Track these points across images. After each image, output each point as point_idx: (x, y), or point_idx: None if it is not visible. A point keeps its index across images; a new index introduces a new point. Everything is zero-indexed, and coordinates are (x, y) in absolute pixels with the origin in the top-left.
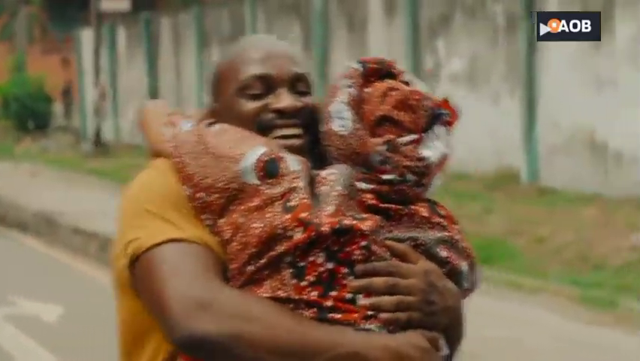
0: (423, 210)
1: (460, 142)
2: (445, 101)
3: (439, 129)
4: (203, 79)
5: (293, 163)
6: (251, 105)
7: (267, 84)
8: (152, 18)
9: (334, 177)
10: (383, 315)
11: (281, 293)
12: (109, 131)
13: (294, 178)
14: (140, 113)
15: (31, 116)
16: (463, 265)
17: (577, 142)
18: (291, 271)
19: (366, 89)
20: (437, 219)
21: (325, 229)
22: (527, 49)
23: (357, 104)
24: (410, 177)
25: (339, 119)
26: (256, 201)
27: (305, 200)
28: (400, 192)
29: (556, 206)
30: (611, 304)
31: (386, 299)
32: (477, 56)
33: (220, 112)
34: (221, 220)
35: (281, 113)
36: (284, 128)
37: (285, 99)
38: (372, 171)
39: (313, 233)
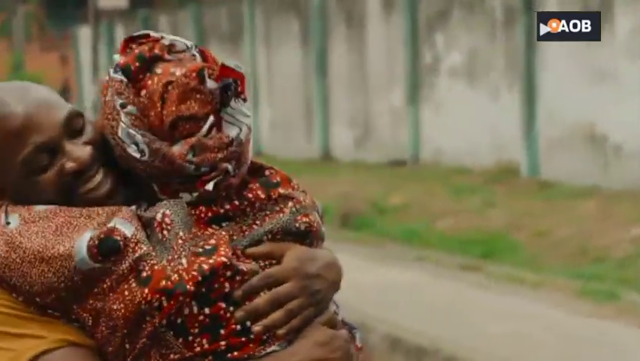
0: (259, 192)
1: (459, 136)
2: (225, 67)
3: (234, 102)
4: None
5: (126, 229)
6: (45, 178)
7: (47, 150)
8: (150, 15)
9: (169, 219)
10: (279, 332)
11: (172, 356)
12: None
13: (135, 246)
14: None
15: None
16: (319, 221)
17: (577, 136)
18: (172, 333)
19: (142, 94)
20: (276, 192)
21: (190, 287)
22: (526, 43)
23: (142, 117)
24: (230, 166)
25: (133, 145)
26: (107, 282)
27: (156, 266)
28: (228, 187)
29: (557, 200)
30: (613, 296)
31: (276, 316)
32: (476, 51)
33: (9, 195)
34: (76, 306)
35: (77, 172)
36: (87, 184)
37: (73, 156)
38: (193, 182)
39: (180, 297)
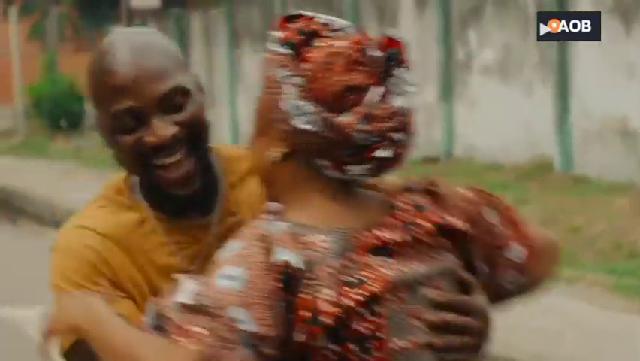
0: (428, 223)
1: (492, 133)
2: (387, 38)
3: (398, 71)
4: (235, 76)
5: (291, 258)
6: (125, 140)
7: (136, 116)
8: (183, 14)
9: (327, 244)
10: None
11: None
12: None
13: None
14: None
15: (64, 115)
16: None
17: (610, 131)
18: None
19: (305, 66)
20: (445, 225)
21: (327, 321)
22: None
23: (307, 89)
24: (398, 136)
25: (301, 116)
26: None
27: (302, 295)
28: (398, 157)
29: (590, 195)
30: None
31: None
32: (509, 47)
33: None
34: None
35: (155, 148)
36: (164, 158)
37: (158, 132)
38: (361, 154)
39: (315, 330)
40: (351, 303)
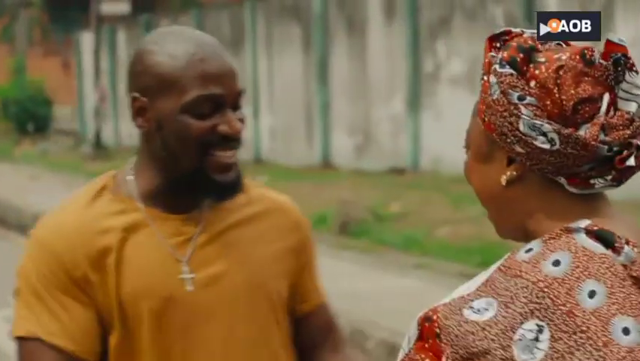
0: None
1: (459, 145)
2: (610, 43)
3: (629, 76)
4: None
5: None
6: (197, 125)
7: (215, 104)
8: (152, 20)
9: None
10: None
11: None
12: (109, 134)
13: None
14: None
15: (31, 118)
16: None
17: None
18: None
19: (531, 84)
20: None
21: None
22: None
23: (541, 107)
24: (638, 142)
25: (541, 136)
26: None
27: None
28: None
29: None
30: None
31: None
32: (477, 58)
33: (151, 117)
34: None
35: (225, 138)
36: (226, 152)
37: (232, 123)
38: (604, 166)
39: None
40: None
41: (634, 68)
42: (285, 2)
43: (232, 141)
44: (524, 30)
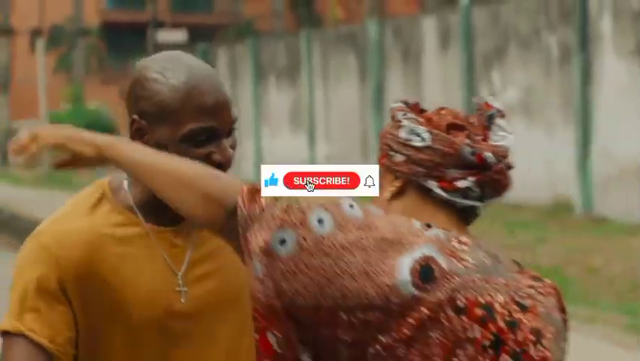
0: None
1: (514, 172)
2: (487, 104)
3: (499, 121)
4: (260, 111)
5: (442, 261)
6: (195, 152)
7: (211, 134)
8: (209, 49)
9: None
10: None
11: None
12: None
13: (450, 277)
14: None
15: None
16: None
17: (630, 172)
18: None
19: (411, 112)
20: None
21: (501, 324)
22: (581, 80)
23: (421, 123)
24: (500, 158)
25: (417, 137)
26: (425, 311)
27: (470, 296)
28: (498, 181)
29: (610, 236)
30: None
31: None
32: (531, 87)
33: (150, 140)
34: (380, 335)
35: (218, 165)
36: None
37: (225, 153)
38: (472, 171)
39: (492, 327)
40: None
41: (503, 116)
42: (341, 31)
43: (222, 168)
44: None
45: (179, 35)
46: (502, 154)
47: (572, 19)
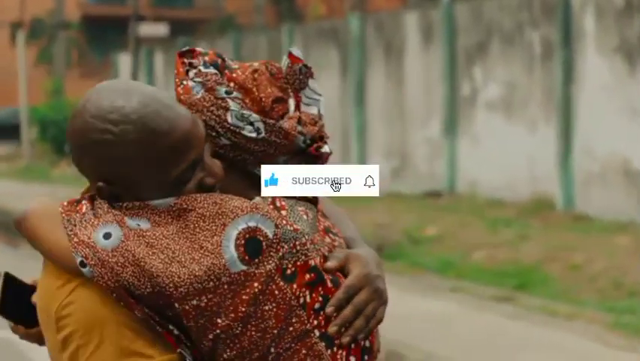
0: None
1: (495, 169)
2: (292, 55)
3: (311, 82)
4: None
5: (268, 228)
6: (188, 189)
7: (195, 164)
8: (190, 43)
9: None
10: (361, 337)
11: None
12: None
13: (277, 245)
14: (25, 220)
15: None
16: None
17: (612, 170)
18: (323, 344)
19: (230, 85)
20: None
21: (328, 277)
22: (563, 77)
23: (245, 102)
24: (324, 138)
25: (248, 125)
26: (257, 286)
27: (298, 262)
28: (327, 157)
29: (591, 234)
30: None
31: (357, 324)
32: (514, 83)
33: (131, 194)
34: (220, 317)
35: (212, 186)
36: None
37: (213, 172)
38: (298, 156)
39: (321, 289)
40: None
41: (313, 77)
42: (323, 26)
43: (216, 184)
44: (207, 51)
45: (161, 29)
46: (322, 129)
47: (554, 16)
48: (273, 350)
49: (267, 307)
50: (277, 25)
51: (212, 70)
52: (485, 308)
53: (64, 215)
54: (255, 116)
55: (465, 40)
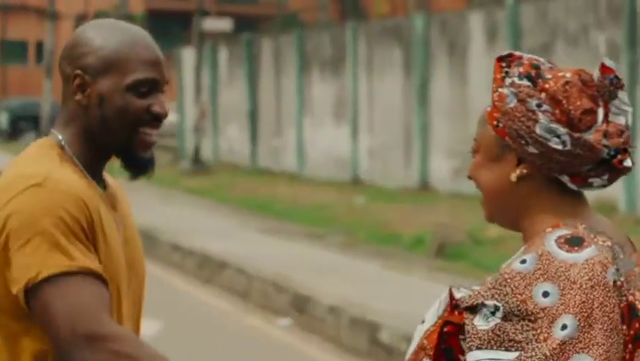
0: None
1: None
2: (604, 66)
3: (621, 93)
4: (303, 101)
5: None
6: (138, 102)
7: (152, 86)
8: (254, 39)
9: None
10: None
11: None
12: (207, 149)
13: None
14: None
15: None
16: None
17: None
18: None
19: (542, 96)
20: None
21: None
22: (629, 79)
23: (554, 115)
24: (629, 148)
25: (555, 138)
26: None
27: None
28: (623, 171)
29: None
30: None
31: None
32: None
33: (92, 94)
34: None
35: (157, 117)
36: (152, 129)
37: (163, 105)
38: (601, 168)
39: None
40: None
41: (624, 88)
42: (387, 24)
43: (159, 120)
44: (525, 54)
45: (225, 24)
46: (628, 140)
47: (620, 18)
48: None
49: None
50: (340, 22)
51: (525, 82)
52: None
53: None
54: (562, 130)
55: (529, 41)
